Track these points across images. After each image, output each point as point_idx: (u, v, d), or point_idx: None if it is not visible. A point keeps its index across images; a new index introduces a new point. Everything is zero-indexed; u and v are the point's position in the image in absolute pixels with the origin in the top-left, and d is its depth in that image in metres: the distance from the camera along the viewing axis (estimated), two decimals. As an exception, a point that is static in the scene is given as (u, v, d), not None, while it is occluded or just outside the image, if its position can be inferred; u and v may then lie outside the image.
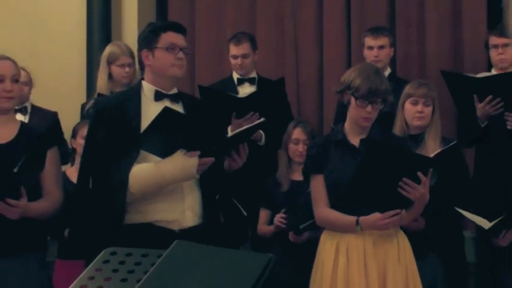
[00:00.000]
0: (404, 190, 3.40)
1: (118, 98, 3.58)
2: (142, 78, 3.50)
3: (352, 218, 3.55)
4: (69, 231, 3.97)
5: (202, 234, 3.23)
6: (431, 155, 3.67)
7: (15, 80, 3.64)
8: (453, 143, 4.14)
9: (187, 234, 3.25)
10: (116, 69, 4.95)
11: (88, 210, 3.42)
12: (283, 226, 4.33)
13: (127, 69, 4.93)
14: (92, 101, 4.75)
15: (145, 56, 3.42)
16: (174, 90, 3.47)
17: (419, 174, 3.37)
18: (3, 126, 3.63)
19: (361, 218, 3.53)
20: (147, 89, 3.43)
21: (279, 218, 4.36)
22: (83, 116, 4.99)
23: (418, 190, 3.40)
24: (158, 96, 3.41)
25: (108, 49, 5.07)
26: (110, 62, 4.97)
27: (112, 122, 3.36)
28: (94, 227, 3.35)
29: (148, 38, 3.43)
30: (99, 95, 4.76)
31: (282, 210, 4.35)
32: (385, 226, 3.50)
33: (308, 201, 3.83)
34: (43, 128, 4.21)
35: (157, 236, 3.19)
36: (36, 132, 3.69)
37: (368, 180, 3.41)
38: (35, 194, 3.55)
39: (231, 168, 3.45)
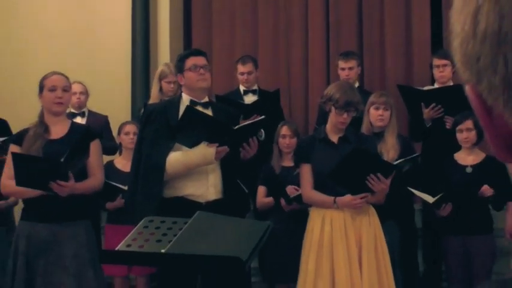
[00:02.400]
0: (370, 183, 3.49)
1: (163, 104, 3.70)
2: (182, 91, 3.62)
3: (330, 198, 3.60)
4: (125, 203, 3.96)
5: (222, 206, 3.34)
6: (395, 163, 3.71)
7: (65, 90, 3.62)
8: (414, 155, 4.21)
9: (210, 206, 3.32)
10: (164, 85, 4.93)
11: (138, 187, 3.47)
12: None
13: (172, 85, 4.91)
14: (143, 109, 4.79)
15: (180, 79, 3.58)
16: (206, 99, 3.60)
17: (379, 175, 3.47)
18: (57, 126, 3.63)
19: (338, 198, 3.58)
20: (185, 98, 3.56)
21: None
22: (137, 118, 5.02)
23: (380, 185, 3.49)
24: (193, 104, 3.51)
25: (160, 68, 5.07)
26: (160, 78, 4.96)
27: (157, 121, 3.49)
28: (143, 200, 3.41)
29: (178, 66, 3.59)
30: (145, 104, 4.77)
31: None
32: (355, 205, 3.55)
33: (294, 181, 3.92)
34: (94, 127, 4.23)
35: (188, 207, 3.28)
36: (81, 130, 3.68)
37: (347, 171, 3.48)
38: (83, 175, 3.58)
39: (245, 157, 3.51)
